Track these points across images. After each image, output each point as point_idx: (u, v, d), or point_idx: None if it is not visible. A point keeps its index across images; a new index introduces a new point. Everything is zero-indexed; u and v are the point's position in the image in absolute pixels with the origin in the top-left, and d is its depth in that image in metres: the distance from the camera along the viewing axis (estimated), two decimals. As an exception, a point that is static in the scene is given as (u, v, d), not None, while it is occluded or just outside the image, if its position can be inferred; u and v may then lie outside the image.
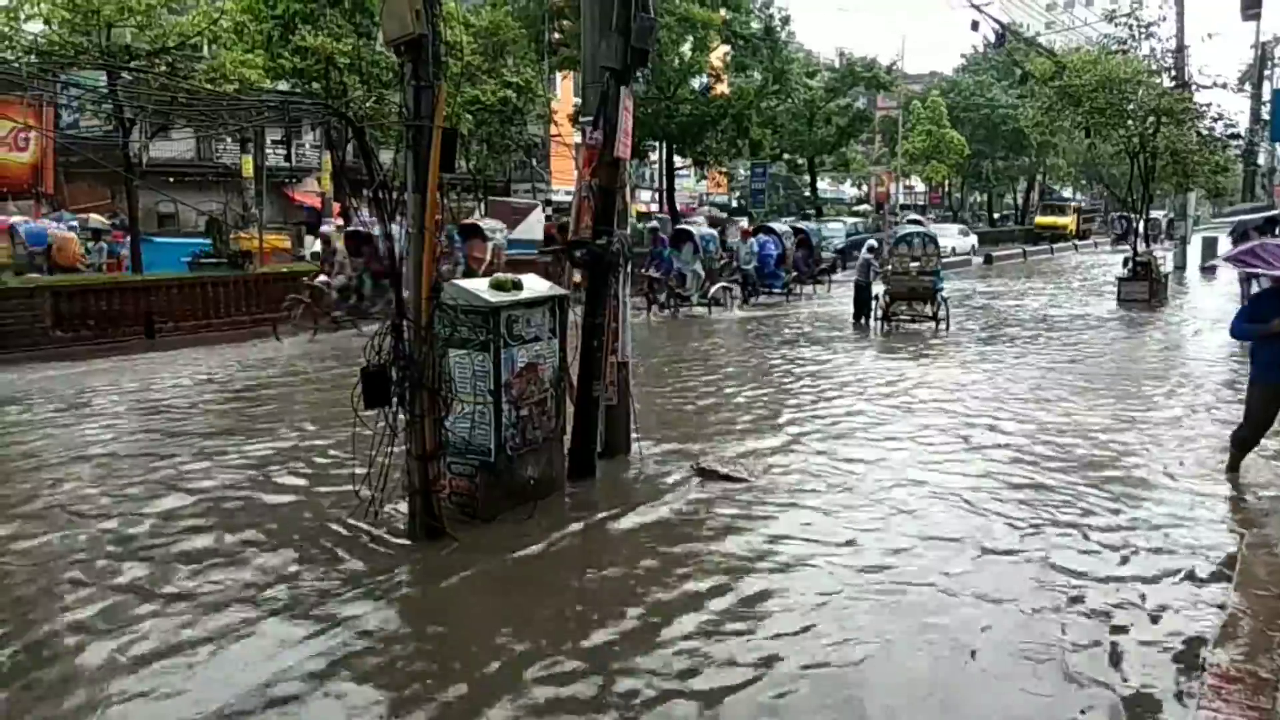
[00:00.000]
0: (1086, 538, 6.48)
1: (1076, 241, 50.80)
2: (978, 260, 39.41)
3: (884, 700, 4.40)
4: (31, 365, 13.96)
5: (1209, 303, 23.28)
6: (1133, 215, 53.98)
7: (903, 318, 18.16)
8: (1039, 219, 55.06)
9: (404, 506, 6.49)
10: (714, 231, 24.21)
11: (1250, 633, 4.94)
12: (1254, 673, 4.47)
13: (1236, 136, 28.33)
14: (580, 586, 5.85)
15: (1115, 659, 4.77)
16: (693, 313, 21.01)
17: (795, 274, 24.78)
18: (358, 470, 6.53)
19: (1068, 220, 54.13)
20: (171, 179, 29.82)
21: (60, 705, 4.34)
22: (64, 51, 16.76)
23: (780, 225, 26.04)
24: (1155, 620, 5.22)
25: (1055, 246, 46.83)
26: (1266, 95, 33.33)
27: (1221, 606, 5.28)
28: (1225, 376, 12.58)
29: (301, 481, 7.82)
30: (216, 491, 7.52)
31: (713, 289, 21.26)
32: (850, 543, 6.38)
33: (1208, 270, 31.47)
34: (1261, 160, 33.48)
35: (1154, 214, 50.77)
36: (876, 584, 5.70)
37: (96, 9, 16.57)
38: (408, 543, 6.28)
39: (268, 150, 32.66)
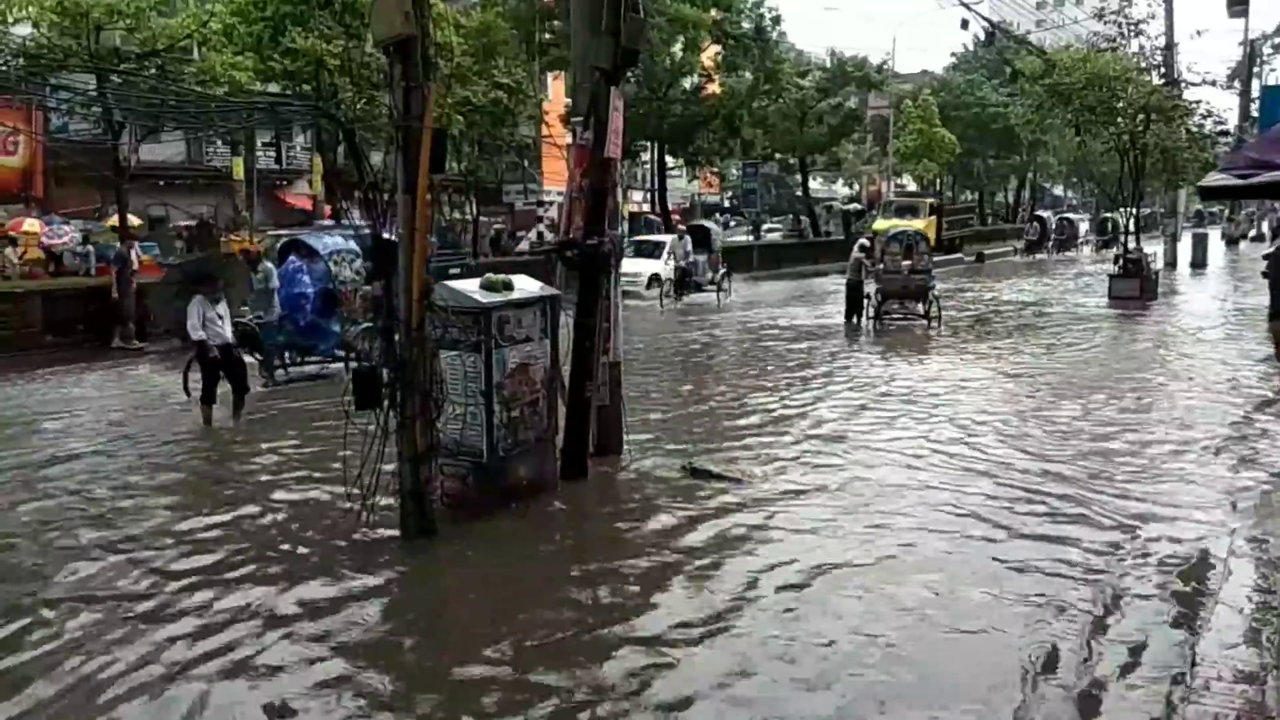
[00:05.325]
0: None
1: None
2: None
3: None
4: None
5: (1199, 299, 23.38)
6: (1046, 215, 49.13)
7: (895, 316, 18.20)
8: (878, 223, 36.21)
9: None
10: None
11: (1239, 626, 4.97)
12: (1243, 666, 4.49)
13: (1225, 134, 28.50)
14: (571, 586, 5.85)
15: (1101, 651, 4.78)
16: None
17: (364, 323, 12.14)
18: (349, 472, 6.51)
19: (921, 223, 35.15)
20: (162, 182, 29.68)
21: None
22: (52, 54, 16.67)
23: (334, 237, 13.49)
24: (1143, 614, 5.23)
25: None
26: (1255, 92, 33.50)
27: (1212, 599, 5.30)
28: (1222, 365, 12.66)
29: (295, 485, 7.80)
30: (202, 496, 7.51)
31: None
32: (838, 534, 6.39)
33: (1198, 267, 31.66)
34: (1250, 157, 33.55)
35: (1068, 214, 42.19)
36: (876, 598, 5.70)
37: (85, 11, 16.47)
38: (400, 544, 6.26)
39: (258, 152, 32.53)
